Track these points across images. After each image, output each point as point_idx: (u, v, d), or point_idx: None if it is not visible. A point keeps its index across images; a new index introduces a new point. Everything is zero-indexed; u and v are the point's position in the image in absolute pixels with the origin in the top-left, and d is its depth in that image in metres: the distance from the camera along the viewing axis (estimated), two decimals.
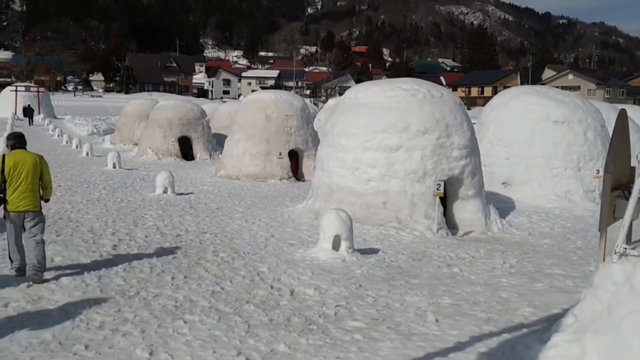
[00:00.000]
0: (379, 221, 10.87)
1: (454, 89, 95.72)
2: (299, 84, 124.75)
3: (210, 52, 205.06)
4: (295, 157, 18.85)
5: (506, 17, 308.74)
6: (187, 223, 11.02)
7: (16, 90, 50.01)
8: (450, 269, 8.52)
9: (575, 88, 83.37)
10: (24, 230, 7.06)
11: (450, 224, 11.29)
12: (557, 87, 30.93)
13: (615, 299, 4.83)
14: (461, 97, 15.37)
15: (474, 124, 13.16)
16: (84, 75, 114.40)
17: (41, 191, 7.22)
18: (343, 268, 8.20)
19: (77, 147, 26.84)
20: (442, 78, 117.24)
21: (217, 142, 25.22)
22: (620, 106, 12.15)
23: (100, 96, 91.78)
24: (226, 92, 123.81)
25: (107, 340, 5.39)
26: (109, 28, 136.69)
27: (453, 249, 9.76)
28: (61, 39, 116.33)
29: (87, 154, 23.49)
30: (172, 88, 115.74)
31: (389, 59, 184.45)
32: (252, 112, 18.55)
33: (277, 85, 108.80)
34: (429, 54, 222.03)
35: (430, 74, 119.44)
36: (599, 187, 11.37)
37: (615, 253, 5.00)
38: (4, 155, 7.07)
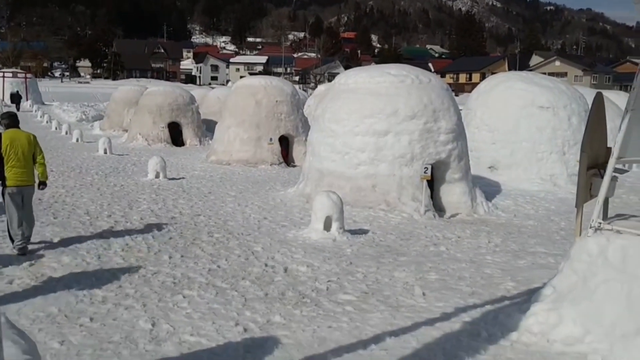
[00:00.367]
0: (368, 204, 11.17)
1: (442, 76, 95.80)
2: (288, 70, 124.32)
3: (197, 38, 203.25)
4: (285, 142, 19.05)
5: (494, 3, 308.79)
6: (180, 206, 11.25)
7: (3, 77, 49.55)
8: (437, 248, 8.84)
9: (562, 74, 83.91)
10: (23, 204, 7.35)
11: (438, 207, 11.61)
12: (545, 73, 31.29)
13: (590, 270, 5.17)
14: (449, 84, 15.54)
15: (461, 110, 13.45)
16: (71, 61, 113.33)
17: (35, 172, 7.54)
18: (334, 247, 8.49)
19: (66, 133, 26.83)
20: (430, 64, 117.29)
21: (207, 127, 25.35)
22: (606, 92, 12.46)
23: (87, 82, 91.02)
24: (214, 78, 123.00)
25: (110, 313, 5.66)
26: (95, 13, 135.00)
27: (440, 230, 10.08)
28: (47, 25, 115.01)
29: (77, 140, 23.53)
30: (159, 74, 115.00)
31: (378, 45, 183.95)
32: (242, 98, 18.71)
33: (266, 71, 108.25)
34: (418, 41, 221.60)
35: (418, 60, 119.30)
36: None
37: (590, 227, 5.34)
38: (0, 134, 7.31)
